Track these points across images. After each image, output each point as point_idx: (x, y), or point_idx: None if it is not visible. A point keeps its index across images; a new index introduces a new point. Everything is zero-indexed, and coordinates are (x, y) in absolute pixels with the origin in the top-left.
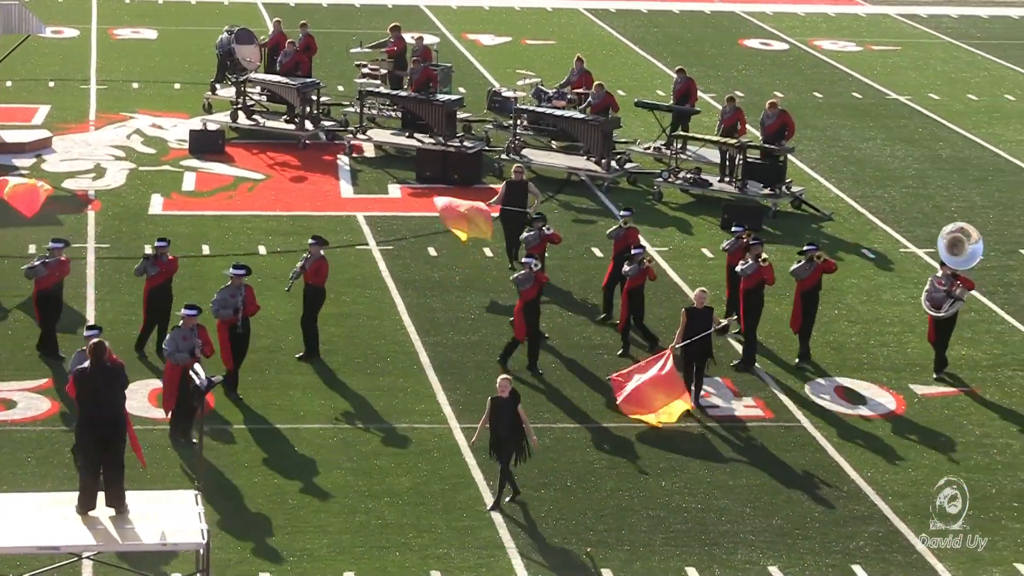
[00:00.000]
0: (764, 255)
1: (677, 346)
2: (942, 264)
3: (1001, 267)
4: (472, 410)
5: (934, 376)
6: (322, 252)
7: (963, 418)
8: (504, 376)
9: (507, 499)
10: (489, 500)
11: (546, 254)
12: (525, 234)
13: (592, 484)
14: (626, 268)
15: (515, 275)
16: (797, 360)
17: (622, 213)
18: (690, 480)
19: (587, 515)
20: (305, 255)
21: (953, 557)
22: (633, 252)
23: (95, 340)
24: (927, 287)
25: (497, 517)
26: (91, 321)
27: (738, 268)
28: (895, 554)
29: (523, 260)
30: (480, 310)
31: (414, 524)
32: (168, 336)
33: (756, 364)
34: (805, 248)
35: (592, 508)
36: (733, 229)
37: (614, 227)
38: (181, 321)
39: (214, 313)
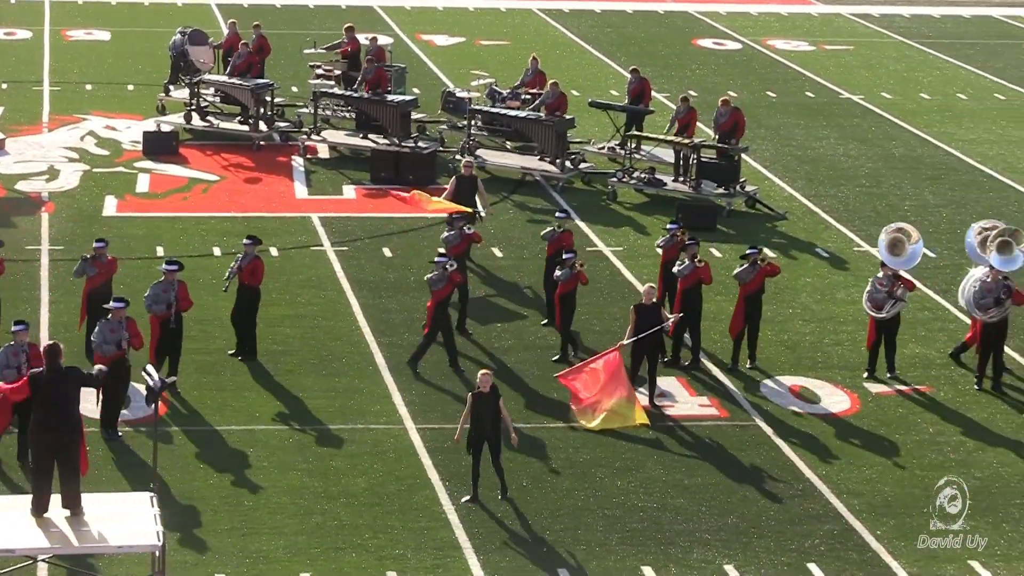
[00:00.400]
0: (700, 255)
1: (626, 342)
2: (883, 265)
3: (954, 265)
4: (428, 411)
5: (887, 375)
6: (256, 252)
7: (917, 416)
8: (484, 371)
9: (464, 499)
10: (445, 500)
11: (498, 253)
12: (445, 233)
13: (548, 484)
14: (557, 273)
15: (429, 275)
16: (748, 364)
17: (557, 215)
18: (645, 479)
19: (543, 515)
20: (239, 255)
21: (908, 554)
22: (564, 257)
23: (51, 342)
24: (868, 288)
25: (453, 518)
26: (46, 323)
27: (675, 270)
28: (850, 552)
29: (436, 260)
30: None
31: (370, 525)
32: (96, 328)
33: (701, 362)
34: (747, 251)
35: (548, 508)
36: (668, 227)
37: (548, 229)
38: (110, 314)
39: (147, 308)
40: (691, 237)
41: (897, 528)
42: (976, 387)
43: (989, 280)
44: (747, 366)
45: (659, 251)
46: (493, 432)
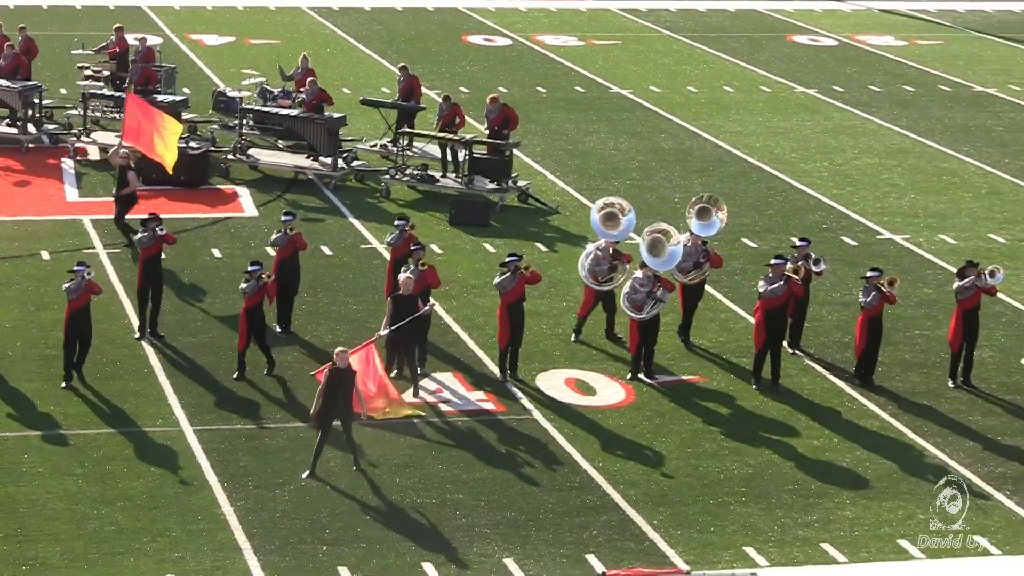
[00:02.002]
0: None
1: (382, 333)
2: (642, 265)
3: (725, 256)
4: (204, 412)
5: (629, 376)
6: None
7: (691, 406)
8: (341, 348)
9: (304, 475)
10: (224, 502)
11: (271, 253)
12: (139, 234)
13: (327, 482)
14: (242, 286)
15: (66, 284)
16: (508, 373)
17: (284, 217)
18: (424, 475)
19: (323, 513)
20: None
21: (684, 543)
22: (250, 268)
23: None
24: (626, 289)
25: (232, 519)
26: None
27: (401, 277)
28: (628, 542)
29: (75, 268)
30: (209, 311)
31: (148, 529)
32: None
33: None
34: (507, 259)
35: (328, 506)
36: (396, 222)
37: (278, 233)
38: None
39: None
40: (417, 242)
41: (673, 517)
42: (680, 338)
43: (689, 244)
44: (504, 378)
45: (388, 248)
46: (346, 407)
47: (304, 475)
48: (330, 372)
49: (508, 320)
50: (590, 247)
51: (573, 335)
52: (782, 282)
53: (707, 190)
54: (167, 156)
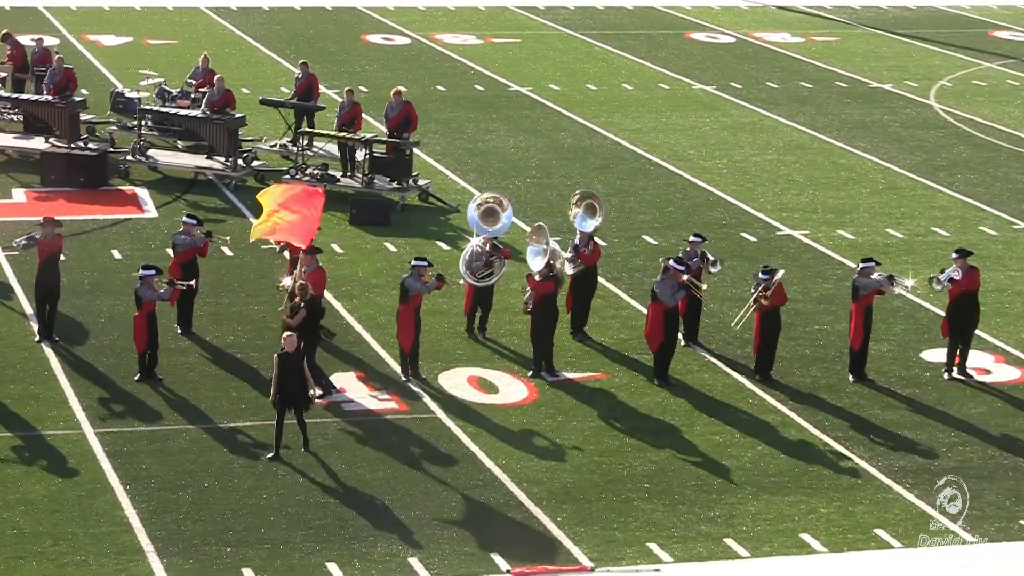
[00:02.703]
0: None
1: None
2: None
3: (625, 253)
4: (106, 415)
5: (530, 374)
6: None
7: (594, 403)
8: (289, 333)
9: (268, 456)
10: (126, 504)
11: (170, 253)
12: (22, 239)
13: (230, 483)
14: (146, 293)
15: None
16: (410, 372)
17: (185, 219)
18: (327, 475)
19: (226, 515)
20: None
21: (588, 539)
22: (143, 273)
23: None
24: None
25: (135, 522)
26: None
27: (281, 284)
28: (532, 540)
29: None
30: (110, 313)
31: (50, 532)
32: None
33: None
34: (413, 263)
35: (231, 507)
36: None
37: (182, 235)
38: None
39: None
40: (310, 246)
41: (577, 514)
42: (571, 334)
43: (578, 241)
44: (406, 378)
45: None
46: (299, 390)
47: (267, 456)
48: (279, 357)
49: (413, 321)
50: (472, 243)
51: (477, 334)
52: (680, 291)
53: (607, 187)
54: None
